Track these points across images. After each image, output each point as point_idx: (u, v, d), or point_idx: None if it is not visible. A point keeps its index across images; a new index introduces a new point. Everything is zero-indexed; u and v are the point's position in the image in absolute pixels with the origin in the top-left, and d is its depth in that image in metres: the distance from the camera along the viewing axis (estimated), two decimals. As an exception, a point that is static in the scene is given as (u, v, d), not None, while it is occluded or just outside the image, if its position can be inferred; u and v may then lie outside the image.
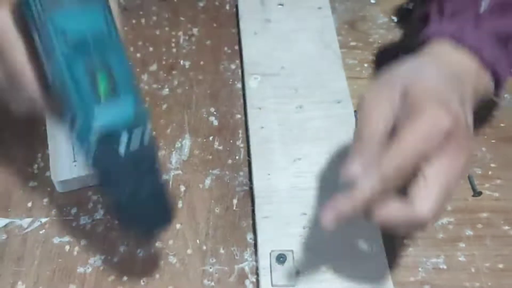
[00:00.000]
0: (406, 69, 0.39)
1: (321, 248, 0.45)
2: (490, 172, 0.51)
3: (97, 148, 0.34)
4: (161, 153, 0.52)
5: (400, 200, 0.35)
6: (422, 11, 0.48)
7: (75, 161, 0.49)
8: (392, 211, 0.35)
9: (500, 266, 0.45)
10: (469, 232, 0.47)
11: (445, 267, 0.45)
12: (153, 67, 0.59)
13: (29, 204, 0.49)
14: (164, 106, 0.56)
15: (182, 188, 0.50)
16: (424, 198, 0.34)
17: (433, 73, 0.38)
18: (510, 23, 0.42)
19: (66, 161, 0.49)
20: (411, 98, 0.36)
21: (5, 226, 0.47)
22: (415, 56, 0.42)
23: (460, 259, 0.46)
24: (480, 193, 0.49)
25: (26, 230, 0.47)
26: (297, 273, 0.43)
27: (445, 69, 0.39)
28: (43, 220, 0.48)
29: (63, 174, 0.48)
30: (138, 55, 0.60)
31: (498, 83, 0.43)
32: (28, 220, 0.48)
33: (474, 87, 0.41)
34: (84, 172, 0.48)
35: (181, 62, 0.60)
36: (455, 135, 0.35)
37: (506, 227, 0.48)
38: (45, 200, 0.49)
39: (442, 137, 0.34)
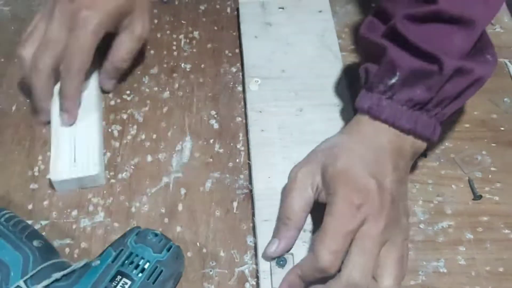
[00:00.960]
0: (328, 149, 0.45)
1: (321, 251, 0.45)
2: (490, 176, 0.51)
3: None
4: (162, 156, 0.52)
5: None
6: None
7: (75, 161, 0.49)
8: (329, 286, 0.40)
9: (501, 269, 0.45)
10: (469, 236, 0.47)
11: (445, 270, 0.45)
12: (154, 70, 0.59)
13: (30, 207, 0.49)
14: (165, 109, 0.56)
15: (183, 191, 0.50)
16: (350, 267, 0.39)
17: (348, 153, 0.43)
18: (418, 93, 0.44)
19: (66, 161, 0.49)
20: (327, 181, 0.42)
21: (6, 228, 0.47)
22: (342, 130, 0.48)
23: (460, 262, 0.46)
24: (480, 197, 0.49)
25: (27, 233, 0.47)
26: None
27: (364, 144, 0.44)
28: (44, 222, 0.48)
29: (62, 174, 0.48)
30: (140, 58, 0.60)
31: (427, 141, 0.46)
32: (29, 222, 0.48)
33: (397, 152, 0.44)
34: (83, 174, 0.48)
35: (182, 65, 0.60)
36: (367, 205, 0.40)
37: (506, 231, 0.48)
38: (46, 202, 0.49)
39: (355, 211, 0.40)
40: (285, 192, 0.45)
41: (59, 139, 0.50)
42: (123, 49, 0.54)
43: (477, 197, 0.49)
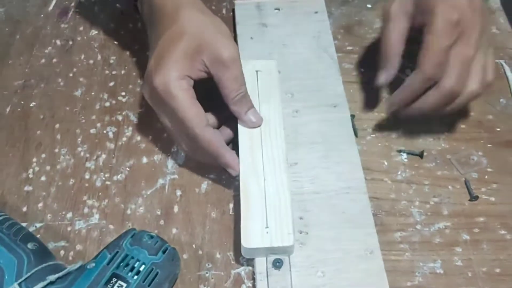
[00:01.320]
0: None
1: (318, 253, 0.45)
2: (486, 177, 0.51)
3: None
4: (158, 158, 0.52)
5: None
6: None
7: (267, 227, 0.44)
8: (428, 95, 0.48)
9: (497, 270, 0.45)
10: (465, 237, 0.47)
11: (441, 271, 0.45)
12: (150, 71, 0.59)
13: (24, 209, 0.49)
14: (160, 110, 0.56)
15: (178, 193, 0.50)
16: (448, 75, 0.47)
17: None
18: None
19: (258, 227, 0.44)
20: (422, 3, 0.48)
21: (0, 231, 0.47)
22: None
23: (457, 263, 0.46)
24: (476, 198, 0.49)
25: (21, 235, 0.47)
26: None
27: None
28: (38, 224, 0.48)
29: (254, 242, 0.43)
30: (135, 59, 0.60)
31: None
32: (23, 225, 0.47)
33: None
34: (277, 244, 0.43)
35: (178, 66, 0.60)
36: (463, 21, 0.46)
37: (503, 231, 0.48)
38: (40, 204, 0.49)
39: (454, 27, 0.46)
40: (383, 28, 0.51)
41: (250, 200, 0.45)
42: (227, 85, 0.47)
43: (473, 198, 0.49)
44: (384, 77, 0.51)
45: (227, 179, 0.51)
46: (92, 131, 0.54)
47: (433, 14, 0.47)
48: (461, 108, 0.50)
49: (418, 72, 0.48)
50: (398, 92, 0.50)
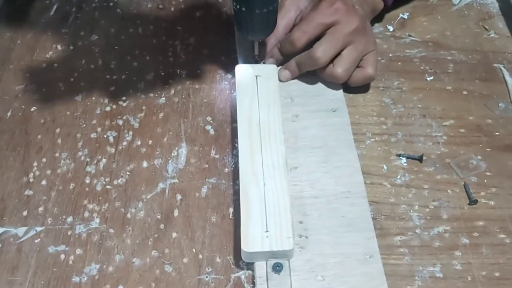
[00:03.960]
0: None
1: (317, 257, 0.45)
2: (485, 181, 0.51)
3: None
4: (158, 162, 0.52)
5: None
6: None
7: (267, 231, 0.44)
8: (300, 55, 0.55)
9: (497, 274, 0.45)
10: (465, 241, 0.47)
11: (441, 275, 0.45)
12: (150, 76, 0.59)
13: (25, 213, 0.49)
14: (161, 115, 0.56)
15: (179, 197, 0.50)
16: (319, 43, 0.53)
17: None
18: None
19: (258, 231, 0.44)
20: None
21: (0, 235, 0.47)
22: None
23: (456, 267, 0.46)
24: (476, 201, 0.49)
25: (21, 239, 0.47)
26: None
27: None
28: (39, 229, 0.48)
29: (254, 246, 0.43)
30: (135, 64, 0.61)
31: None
32: (23, 229, 0.48)
33: None
34: (276, 247, 0.43)
35: (178, 71, 0.60)
36: (343, 11, 0.53)
37: (502, 235, 0.48)
38: (41, 209, 0.49)
39: (332, 11, 0.52)
40: (279, 15, 0.55)
41: (249, 204, 0.45)
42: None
43: (472, 201, 0.49)
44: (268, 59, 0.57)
45: (227, 184, 0.51)
46: (93, 135, 0.54)
47: (319, 1, 0.54)
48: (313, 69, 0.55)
49: (287, 35, 0.55)
50: (272, 48, 0.57)
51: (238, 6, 0.49)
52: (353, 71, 0.55)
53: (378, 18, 0.65)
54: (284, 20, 0.56)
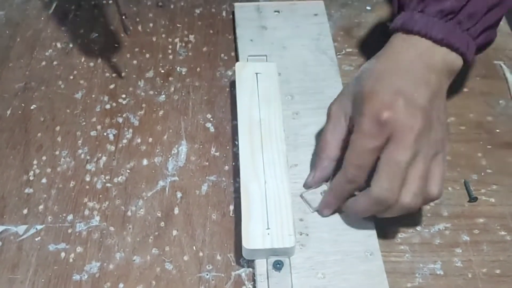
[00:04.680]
0: (357, 78, 0.46)
1: (318, 254, 0.45)
2: (486, 178, 0.51)
3: None
4: (158, 160, 0.52)
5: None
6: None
7: (268, 228, 0.44)
8: (358, 199, 0.44)
9: (497, 271, 0.45)
10: (465, 238, 0.47)
11: (442, 273, 0.45)
12: (150, 74, 0.59)
13: (25, 211, 0.49)
14: (161, 113, 0.56)
15: (179, 195, 0.50)
16: (375, 181, 0.41)
17: (375, 75, 0.44)
18: (449, 4, 0.45)
19: (259, 228, 0.44)
20: (357, 106, 0.44)
21: (0, 233, 0.47)
22: (373, 57, 0.47)
23: (457, 264, 0.46)
24: (476, 199, 0.49)
25: (22, 237, 0.47)
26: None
27: (392, 62, 0.45)
28: (39, 227, 0.48)
29: (255, 243, 0.43)
30: (135, 61, 0.60)
31: (462, 55, 0.46)
32: (24, 227, 0.48)
33: (427, 66, 0.44)
34: (278, 245, 0.43)
35: (178, 68, 0.60)
36: (393, 122, 0.41)
37: (503, 233, 0.48)
38: (41, 207, 0.49)
39: (380, 127, 0.41)
40: (323, 128, 0.48)
41: (250, 201, 0.45)
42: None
43: (472, 199, 0.49)
44: (310, 180, 0.48)
45: (228, 181, 0.51)
46: (93, 133, 0.54)
47: (361, 113, 0.42)
48: (400, 215, 0.44)
49: (340, 173, 0.44)
50: (325, 194, 0.47)
51: None
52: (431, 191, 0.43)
53: (379, 15, 0.65)
54: (336, 135, 0.46)
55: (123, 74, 0.59)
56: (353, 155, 0.43)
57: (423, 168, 0.41)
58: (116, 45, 0.62)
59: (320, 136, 0.48)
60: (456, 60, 0.45)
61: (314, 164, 0.49)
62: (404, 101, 0.41)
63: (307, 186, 0.48)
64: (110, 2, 0.67)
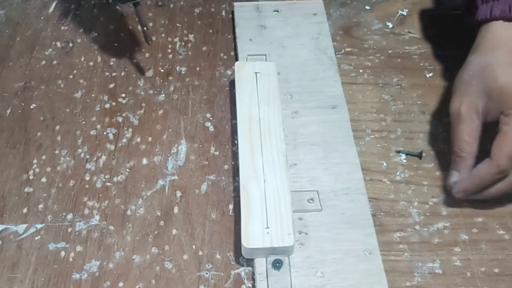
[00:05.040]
0: (479, 74, 0.48)
1: (317, 253, 0.45)
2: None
3: None
4: (157, 159, 0.52)
5: None
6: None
7: (267, 227, 0.44)
8: (497, 186, 0.46)
9: (496, 270, 0.45)
10: (464, 237, 0.47)
11: (440, 271, 0.45)
12: (149, 73, 0.59)
13: (25, 210, 0.49)
14: (160, 112, 0.56)
15: (178, 194, 0.50)
16: None
17: (503, 67, 0.47)
18: None
19: (258, 227, 0.44)
20: (497, 100, 0.46)
21: (0, 232, 0.47)
22: (473, 53, 0.49)
23: (455, 263, 0.46)
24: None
25: (21, 236, 0.47)
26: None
27: (510, 51, 0.47)
28: (39, 226, 0.48)
29: (255, 242, 0.43)
30: (135, 61, 0.61)
31: None
32: (24, 226, 0.48)
33: None
34: (277, 244, 0.43)
35: (177, 68, 0.60)
36: None
37: (501, 232, 0.48)
38: (41, 206, 0.49)
39: None
40: (453, 129, 0.48)
41: (250, 200, 0.45)
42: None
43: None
44: (457, 180, 0.48)
45: (227, 180, 0.51)
46: (92, 132, 0.54)
47: (511, 106, 0.45)
48: None
49: (491, 163, 0.45)
50: (466, 180, 0.47)
51: None
52: None
53: (378, 15, 0.65)
54: (472, 134, 0.47)
55: (123, 73, 0.59)
56: (507, 146, 0.45)
57: None
58: (115, 44, 0.62)
59: (452, 138, 0.49)
60: None
61: (453, 165, 0.48)
62: None
63: (449, 185, 0.48)
64: (110, 1, 0.67)
